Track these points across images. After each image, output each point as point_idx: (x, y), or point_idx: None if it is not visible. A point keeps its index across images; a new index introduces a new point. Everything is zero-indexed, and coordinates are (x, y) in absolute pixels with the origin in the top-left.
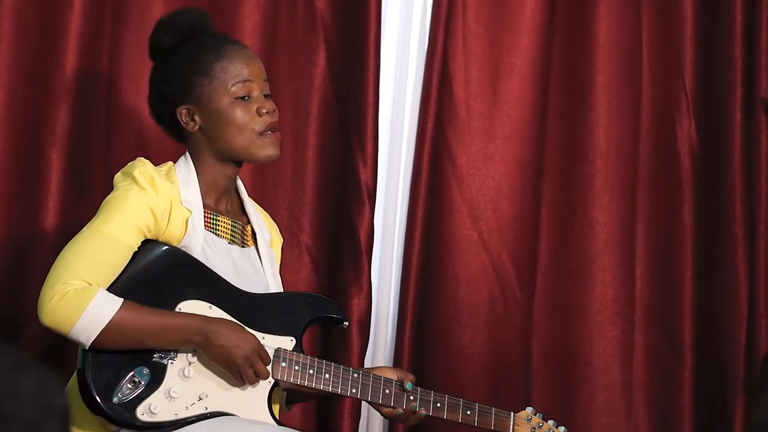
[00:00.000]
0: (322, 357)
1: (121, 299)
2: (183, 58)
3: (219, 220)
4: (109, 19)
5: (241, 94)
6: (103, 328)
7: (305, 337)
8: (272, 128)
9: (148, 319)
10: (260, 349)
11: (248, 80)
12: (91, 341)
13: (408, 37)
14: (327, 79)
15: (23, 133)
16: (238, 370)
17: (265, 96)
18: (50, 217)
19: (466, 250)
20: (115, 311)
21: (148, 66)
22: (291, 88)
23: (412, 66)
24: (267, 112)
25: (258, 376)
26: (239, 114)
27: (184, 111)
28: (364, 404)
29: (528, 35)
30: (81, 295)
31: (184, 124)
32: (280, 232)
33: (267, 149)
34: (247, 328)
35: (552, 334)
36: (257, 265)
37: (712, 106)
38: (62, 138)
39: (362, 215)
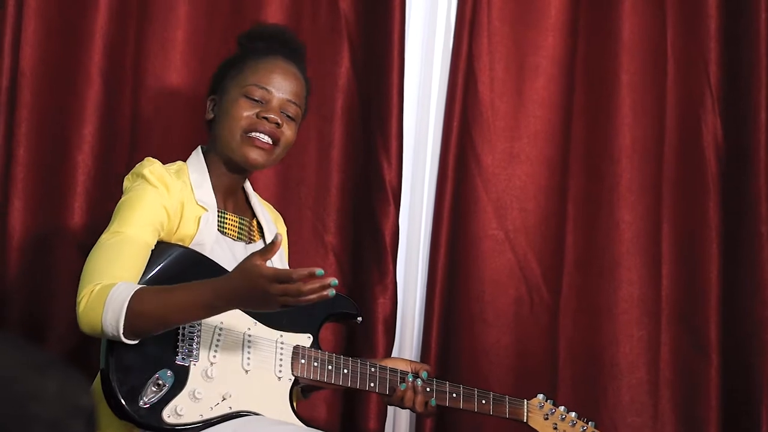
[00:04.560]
0: (347, 357)
1: (138, 285)
2: (238, 55)
3: (227, 218)
4: (134, 20)
5: (253, 96)
6: (125, 315)
7: (329, 336)
8: (262, 132)
9: (164, 299)
10: (270, 273)
11: (266, 89)
12: (122, 331)
13: (433, 37)
14: (351, 79)
15: (49, 134)
16: (283, 305)
17: (286, 115)
18: (76, 218)
19: (492, 249)
20: (129, 297)
21: (172, 66)
22: (315, 88)
23: (436, 65)
24: (266, 119)
25: (301, 296)
26: (240, 109)
27: (210, 100)
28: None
29: (553, 34)
30: (100, 292)
31: (206, 113)
32: (303, 232)
33: (244, 149)
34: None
35: (578, 334)
36: None
37: (737, 104)
38: (88, 139)
39: (387, 215)
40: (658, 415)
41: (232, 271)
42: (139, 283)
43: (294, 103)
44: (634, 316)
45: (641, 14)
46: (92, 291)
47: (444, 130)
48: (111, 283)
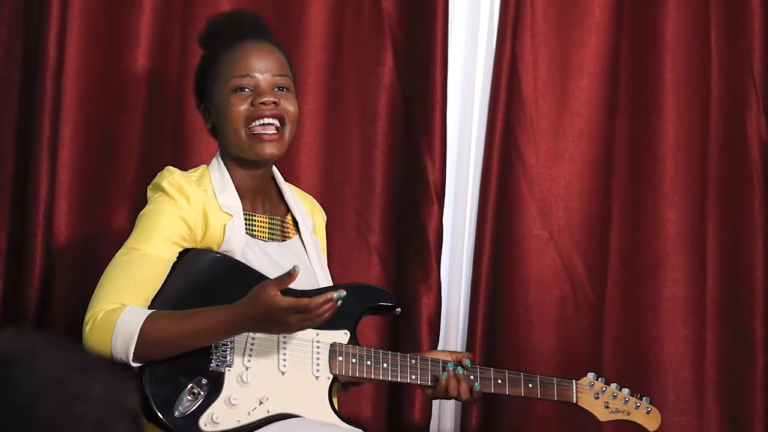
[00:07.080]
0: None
1: (148, 311)
2: (206, 57)
3: (255, 220)
4: (178, 21)
5: (240, 86)
6: (136, 343)
7: (373, 336)
8: (264, 119)
9: (177, 326)
10: (287, 305)
11: (247, 75)
12: (131, 357)
13: (476, 36)
14: (394, 78)
15: (94, 136)
16: (301, 328)
17: (278, 88)
18: (121, 220)
19: (537, 249)
20: (140, 324)
21: None
22: (358, 89)
23: (480, 65)
24: (262, 103)
25: (317, 319)
26: (233, 106)
27: (202, 109)
28: None
29: (596, 33)
30: (109, 316)
31: (204, 123)
32: (347, 232)
33: (255, 148)
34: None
35: (622, 333)
36: (301, 255)
37: None
38: (132, 141)
39: (431, 215)
40: (703, 415)
41: (247, 297)
42: (167, 292)
43: (281, 75)
44: (678, 315)
45: (685, 12)
46: (96, 317)
47: (488, 129)
48: (116, 309)
